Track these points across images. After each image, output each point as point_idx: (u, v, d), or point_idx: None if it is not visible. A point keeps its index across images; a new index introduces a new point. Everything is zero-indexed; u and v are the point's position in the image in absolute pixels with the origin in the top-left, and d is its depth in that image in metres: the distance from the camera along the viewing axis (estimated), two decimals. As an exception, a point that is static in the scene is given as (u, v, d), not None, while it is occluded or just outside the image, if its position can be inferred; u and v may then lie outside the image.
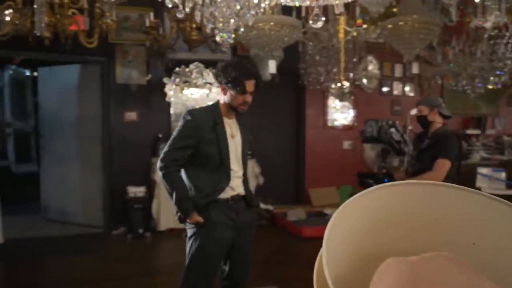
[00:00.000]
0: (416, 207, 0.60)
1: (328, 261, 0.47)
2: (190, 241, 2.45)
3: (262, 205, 6.00)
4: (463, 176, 6.21)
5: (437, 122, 3.26)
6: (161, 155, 2.44)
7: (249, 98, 2.41)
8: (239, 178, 2.50)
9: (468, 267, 0.55)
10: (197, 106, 5.74)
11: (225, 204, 2.43)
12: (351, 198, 0.54)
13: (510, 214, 0.58)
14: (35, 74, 7.79)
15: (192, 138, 2.39)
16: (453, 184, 0.60)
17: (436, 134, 3.21)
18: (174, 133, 2.46)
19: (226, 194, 2.43)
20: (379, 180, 2.99)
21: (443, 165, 3.04)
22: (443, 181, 3.10)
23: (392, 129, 3.08)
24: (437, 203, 0.59)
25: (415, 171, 3.22)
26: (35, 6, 2.75)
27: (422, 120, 3.32)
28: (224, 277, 2.56)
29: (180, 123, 2.46)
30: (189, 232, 2.46)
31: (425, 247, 0.57)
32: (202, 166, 2.42)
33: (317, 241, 0.53)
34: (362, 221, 0.57)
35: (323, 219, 5.80)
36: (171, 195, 2.39)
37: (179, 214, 2.43)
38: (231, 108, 2.46)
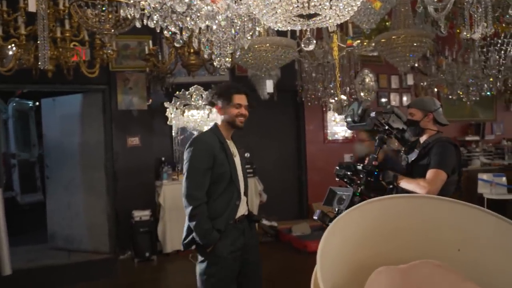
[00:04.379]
0: (405, 219, 0.64)
1: (324, 273, 0.51)
2: (202, 270, 2.42)
3: (267, 222, 6.02)
4: (464, 183, 6.24)
5: (431, 129, 2.69)
6: (185, 190, 2.36)
7: (244, 111, 2.50)
8: (244, 198, 2.55)
9: (454, 272, 0.59)
10: (198, 127, 5.88)
11: (234, 225, 2.45)
12: (342, 214, 0.59)
13: (490, 221, 0.62)
14: (37, 103, 7.88)
15: (208, 159, 2.39)
16: (437, 196, 0.65)
17: (428, 143, 2.63)
18: (188, 164, 2.40)
19: (236, 214, 2.47)
20: (365, 173, 2.52)
21: (437, 177, 2.44)
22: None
23: (391, 116, 2.57)
24: (424, 215, 0.64)
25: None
26: (38, 41, 2.84)
27: (413, 125, 2.70)
28: None
29: (189, 154, 2.41)
30: (201, 258, 2.45)
31: (415, 255, 0.61)
32: (213, 187, 2.41)
33: (322, 256, 0.57)
34: (355, 235, 0.62)
35: (329, 233, 5.79)
36: (198, 227, 2.33)
37: (187, 241, 2.40)
38: (229, 124, 2.51)
